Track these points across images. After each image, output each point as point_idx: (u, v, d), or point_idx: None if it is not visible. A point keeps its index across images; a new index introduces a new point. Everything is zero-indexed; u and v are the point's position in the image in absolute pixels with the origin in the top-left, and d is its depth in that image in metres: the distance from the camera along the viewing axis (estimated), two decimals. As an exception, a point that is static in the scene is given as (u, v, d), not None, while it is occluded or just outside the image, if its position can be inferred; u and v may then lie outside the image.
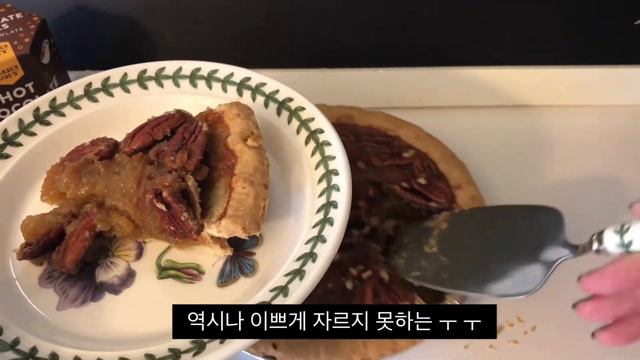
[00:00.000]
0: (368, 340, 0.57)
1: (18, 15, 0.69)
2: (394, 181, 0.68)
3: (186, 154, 0.53)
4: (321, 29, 0.80)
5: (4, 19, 0.68)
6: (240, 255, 0.55)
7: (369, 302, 0.59)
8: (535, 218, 0.58)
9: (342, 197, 0.53)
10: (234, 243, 0.55)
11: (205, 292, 0.53)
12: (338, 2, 0.77)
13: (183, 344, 0.47)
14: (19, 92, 0.66)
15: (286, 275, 0.51)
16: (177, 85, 0.64)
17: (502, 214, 0.62)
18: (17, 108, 0.65)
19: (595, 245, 0.48)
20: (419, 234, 0.62)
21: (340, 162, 0.56)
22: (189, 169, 0.53)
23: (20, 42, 0.65)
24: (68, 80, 0.75)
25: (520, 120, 0.82)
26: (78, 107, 0.63)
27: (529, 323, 0.61)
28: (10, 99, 0.67)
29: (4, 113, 0.67)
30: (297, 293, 0.48)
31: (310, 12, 0.78)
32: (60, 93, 0.63)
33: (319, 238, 0.52)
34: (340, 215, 0.52)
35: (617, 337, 0.47)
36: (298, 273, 0.50)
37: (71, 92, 0.63)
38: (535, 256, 0.55)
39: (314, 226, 0.53)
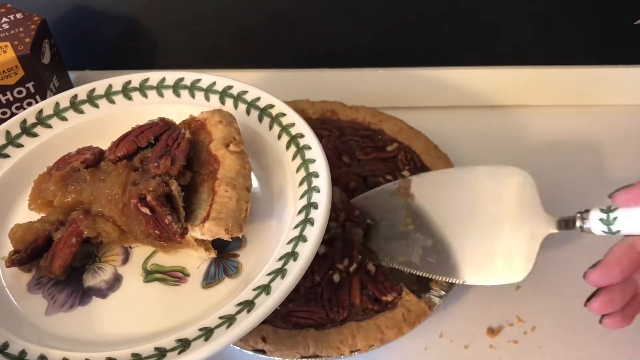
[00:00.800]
0: (356, 331, 0.60)
1: (18, 15, 0.71)
2: (378, 174, 0.72)
3: (169, 159, 0.56)
4: (320, 29, 0.83)
5: (4, 19, 0.70)
6: (225, 257, 0.58)
7: (356, 294, 0.62)
8: (505, 181, 0.61)
9: (322, 197, 0.56)
10: (218, 246, 0.58)
11: (190, 294, 0.56)
12: (336, 3, 0.80)
13: (168, 342, 0.50)
14: (20, 92, 0.68)
15: (269, 274, 0.53)
16: (161, 95, 0.68)
17: (466, 175, 0.65)
18: (17, 108, 0.68)
19: (579, 223, 0.52)
20: (389, 208, 0.66)
21: (320, 165, 0.59)
22: (172, 174, 0.56)
23: (20, 42, 0.67)
24: (68, 80, 0.77)
25: (513, 120, 0.85)
26: (64, 119, 0.66)
27: (528, 323, 0.63)
28: (11, 99, 0.68)
29: (4, 113, 0.69)
30: (279, 291, 0.51)
31: (310, 12, 0.81)
32: (46, 105, 0.66)
33: (300, 238, 0.55)
34: (320, 215, 0.55)
35: (623, 321, 0.51)
36: (280, 272, 0.53)
37: (57, 104, 0.66)
38: (518, 231, 0.58)
39: (296, 227, 0.56)
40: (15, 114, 0.66)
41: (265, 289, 0.52)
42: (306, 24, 0.82)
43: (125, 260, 0.59)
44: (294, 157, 0.61)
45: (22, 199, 0.62)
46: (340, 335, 0.60)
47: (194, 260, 0.58)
